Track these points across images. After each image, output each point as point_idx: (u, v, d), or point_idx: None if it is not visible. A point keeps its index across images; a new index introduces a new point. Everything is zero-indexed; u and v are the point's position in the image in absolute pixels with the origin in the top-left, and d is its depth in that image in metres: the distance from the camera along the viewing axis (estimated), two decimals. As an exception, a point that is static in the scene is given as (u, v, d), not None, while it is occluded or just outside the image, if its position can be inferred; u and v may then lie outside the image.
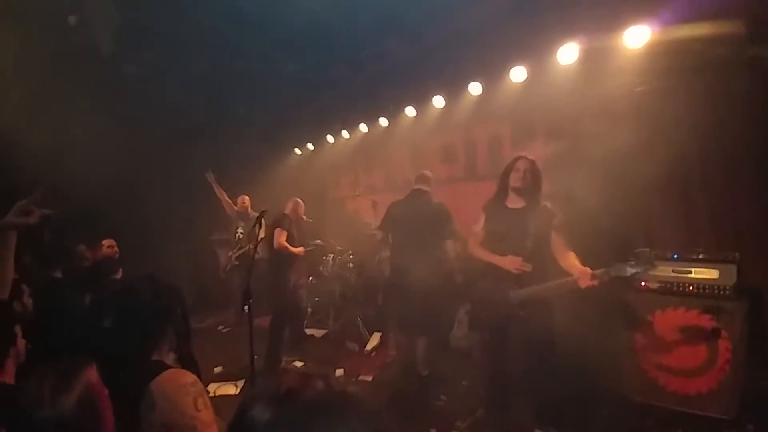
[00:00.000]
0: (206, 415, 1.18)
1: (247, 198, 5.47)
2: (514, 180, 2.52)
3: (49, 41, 4.11)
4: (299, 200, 4.52)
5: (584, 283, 2.16)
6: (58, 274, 3.04)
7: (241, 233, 5.37)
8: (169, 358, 1.35)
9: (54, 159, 4.66)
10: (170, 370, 1.22)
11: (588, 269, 2.19)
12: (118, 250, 4.67)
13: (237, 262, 5.30)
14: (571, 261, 2.30)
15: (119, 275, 2.95)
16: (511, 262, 2.42)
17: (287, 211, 4.35)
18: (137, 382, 1.17)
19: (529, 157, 2.57)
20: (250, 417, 0.76)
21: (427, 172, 3.81)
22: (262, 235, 3.59)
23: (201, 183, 5.65)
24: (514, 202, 2.56)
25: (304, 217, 4.57)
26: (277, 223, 4.09)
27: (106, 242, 4.61)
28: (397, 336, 4.27)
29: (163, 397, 1.15)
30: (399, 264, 3.65)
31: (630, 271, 2.12)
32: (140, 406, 1.14)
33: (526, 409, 2.57)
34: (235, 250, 5.32)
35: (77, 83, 4.48)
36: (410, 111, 5.07)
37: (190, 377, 1.22)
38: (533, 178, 2.51)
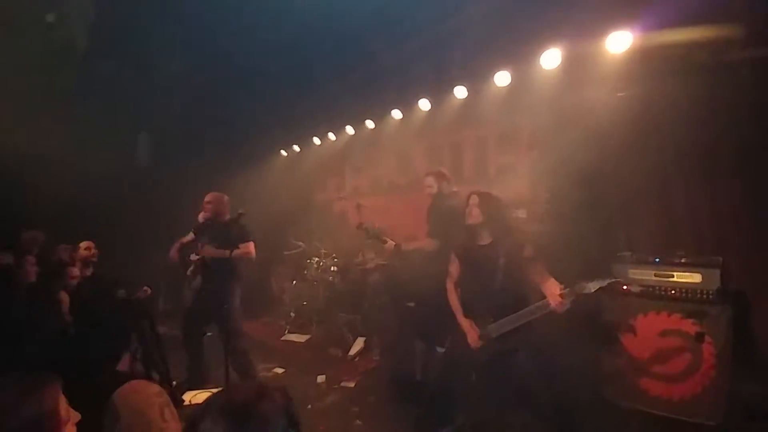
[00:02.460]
0: (174, 426, 1.13)
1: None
2: (468, 218, 2.53)
3: (27, 39, 4.01)
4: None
5: (558, 307, 2.19)
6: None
7: None
8: (136, 368, 1.29)
9: (33, 157, 4.56)
10: (133, 381, 1.17)
11: (557, 293, 2.21)
12: (95, 251, 4.53)
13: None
14: (549, 288, 2.30)
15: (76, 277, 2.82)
16: (468, 328, 2.49)
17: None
18: (99, 393, 1.11)
19: (480, 192, 2.58)
20: (202, 427, 0.73)
21: (444, 170, 3.64)
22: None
23: (184, 185, 5.52)
24: (483, 239, 2.55)
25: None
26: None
27: (83, 244, 4.47)
28: (383, 339, 4.22)
29: (127, 408, 1.09)
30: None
31: (593, 287, 2.16)
32: (103, 419, 1.08)
33: (508, 419, 2.53)
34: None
35: (55, 81, 4.38)
36: (396, 114, 5.05)
37: (154, 387, 1.17)
38: (489, 211, 2.49)
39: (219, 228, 3.59)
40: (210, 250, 3.48)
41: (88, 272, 4.20)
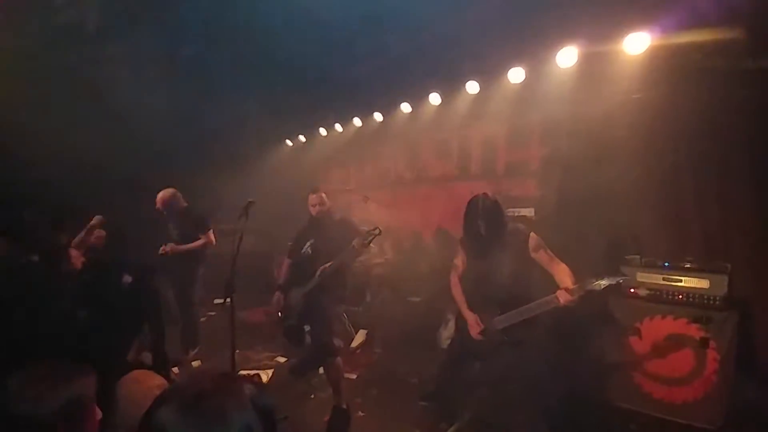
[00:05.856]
0: None
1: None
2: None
3: (35, 19, 3.95)
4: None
5: (564, 300, 2.18)
6: (35, 258, 2.89)
7: None
8: (143, 356, 1.28)
9: (40, 140, 4.52)
10: (136, 371, 1.16)
11: (569, 281, 2.21)
12: (105, 235, 4.50)
13: None
14: (561, 276, 2.31)
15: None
16: (472, 321, 2.50)
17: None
18: (107, 381, 1.09)
19: (490, 196, 2.51)
20: (155, 419, 0.71)
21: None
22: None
23: (190, 169, 5.48)
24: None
25: None
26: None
27: (95, 231, 4.44)
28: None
29: (127, 399, 1.08)
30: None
31: (603, 284, 2.14)
32: (104, 406, 1.07)
33: (513, 416, 2.54)
34: None
35: (63, 62, 4.33)
36: (405, 107, 5.00)
37: (156, 380, 1.16)
38: (496, 218, 2.45)
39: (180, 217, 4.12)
40: (175, 248, 3.96)
41: (92, 258, 4.18)
